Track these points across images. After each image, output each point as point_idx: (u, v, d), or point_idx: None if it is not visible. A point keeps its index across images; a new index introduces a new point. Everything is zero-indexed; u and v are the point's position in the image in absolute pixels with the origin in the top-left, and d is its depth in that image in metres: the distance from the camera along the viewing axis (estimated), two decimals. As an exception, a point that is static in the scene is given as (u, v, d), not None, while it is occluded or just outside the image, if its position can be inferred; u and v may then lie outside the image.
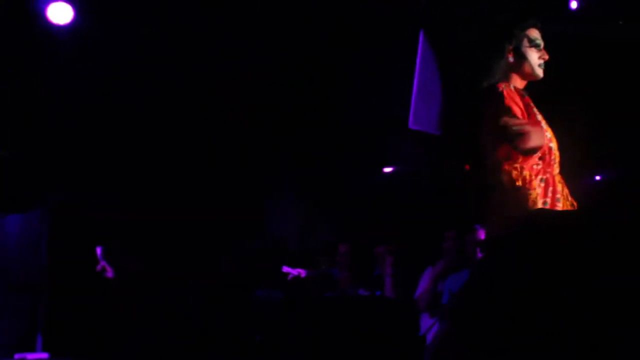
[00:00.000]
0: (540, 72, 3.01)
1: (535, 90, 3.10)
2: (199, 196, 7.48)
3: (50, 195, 7.27)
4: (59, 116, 6.21)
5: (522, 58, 2.99)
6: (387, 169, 8.14)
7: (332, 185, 7.95)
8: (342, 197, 8.21)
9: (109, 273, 6.92)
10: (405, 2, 4.70)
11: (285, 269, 6.51)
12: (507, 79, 2.98)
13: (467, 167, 3.00)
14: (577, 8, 4.59)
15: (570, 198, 2.90)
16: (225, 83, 6.19)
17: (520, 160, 2.73)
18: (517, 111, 2.81)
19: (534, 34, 3.02)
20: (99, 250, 6.98)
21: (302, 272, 6.53)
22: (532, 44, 2.99)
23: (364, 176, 8.04)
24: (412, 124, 4.25)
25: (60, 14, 5.04)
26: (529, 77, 3.03)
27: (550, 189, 2.83)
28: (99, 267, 6.94)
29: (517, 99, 2.88)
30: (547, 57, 3.01)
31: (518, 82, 3.02)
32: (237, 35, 5.65)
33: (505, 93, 2.84)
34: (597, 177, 8.15)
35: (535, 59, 2.99)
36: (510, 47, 2.99)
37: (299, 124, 6.97)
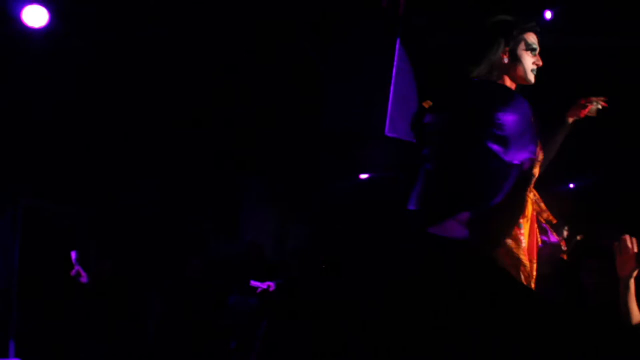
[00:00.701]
0: (532, 78, 2.98)
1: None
2: (174, 202, 7.45)
3: (22, 198, 7.19)
4: (33, 119, 6.16)
5: (516, 60, 2.95)
6: (364, 176, 8.16)
7: (308, 192, 7.95)
8: (318, 205, 8.23)
9: (84, 278, 6.85)
10: (382, 10, 4.73)
11: (254, 283, 6.49)
12: (499, 79, 2.93)
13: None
14: (551, 19, 4.64)
15: (543, 213, 2.91)
16: (201, 89, 6.18)
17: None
18: None
19: (532, 38, 2.99)
20: (73, 254, 6.90)
21: (272, 285, 6.51)
22: (529, 47, 2.96)
23: (341, 183, 8.06)
24: (388, 132, 4.27)
25: (35, 17, 5.01)
26: (521, 80, 2.99)
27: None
28: (73, 272, 6.86)
29: None
30: (540, 63, 2.98)
31: (509, 85, 2.97)
32: (215, 41, 5.64)
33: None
34: (571, 185, 8.26)
35: (530, 63, 2.96)
36: (507, 48, 2.94)
37: (276, 130, 6.98)
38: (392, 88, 4.29)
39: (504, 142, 1.29)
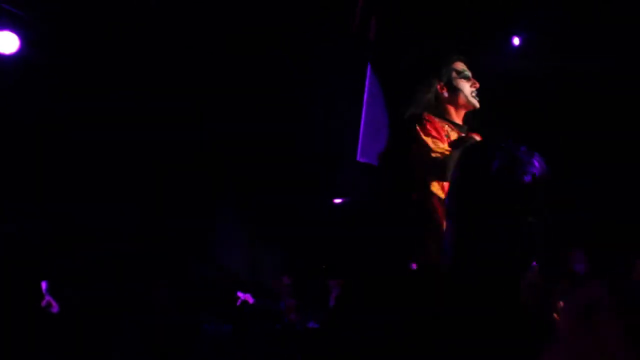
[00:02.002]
0: (475, 101, 3.09)
1: (479, 127, 3.15)
2: (146, 227, 7.39)
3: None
4: (4, 145, 6.10)
5: (455, 90, 3.07)
6: (337, 200, 8.18)
7: (281, 216, 7.94)
8: (292, 229, 8.21)
9: (54, 308, 6.73)
10: (353, 36, 4.78)
11: (240, 294, 6.47)
12: (445, 112, 3.06)
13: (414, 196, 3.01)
14: (519, 45, 4.72)
15: None
16: (174, 112, 6.17)
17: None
18: (440, 140, 2.87)
19: (460, 66, 3.12)
20: (44, 285, 6.78)
21: (249, 298, 6.49)
22: (461, 75, 3.09)
23: (314, 207, 8.06)
24: (359, 157, 4.29)
25: (6, 44, 4.99)
26: (466, 107, 3.10)
27: None
28: (44, 303, 6.74)
29: (439, 127, 2.93)
30: (477, 85, 3.09)
31: (454, 116, 3.09)
32: (190, 66, 5.65)
33: (427, 124, 2.91)
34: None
35: (468, 88, 3.07)
36: (442, 83, 3.07)
37: (248, 154, 6.98)
38: (363, 113, 4.32)
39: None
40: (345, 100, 5.12)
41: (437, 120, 3.00)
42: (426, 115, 2.97)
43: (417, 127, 2.91)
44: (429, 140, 2.85)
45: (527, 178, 1.38)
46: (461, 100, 3.07)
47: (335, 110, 5.61)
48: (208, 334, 6.46)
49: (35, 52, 5.08)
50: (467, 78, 3.09)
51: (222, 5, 4.93)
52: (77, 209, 6.98)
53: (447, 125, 3.02)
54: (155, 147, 6.61)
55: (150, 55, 5.32)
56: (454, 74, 3.08)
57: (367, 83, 4.41)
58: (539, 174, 1.40)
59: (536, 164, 1.42)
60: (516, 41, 4.68)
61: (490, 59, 4.73)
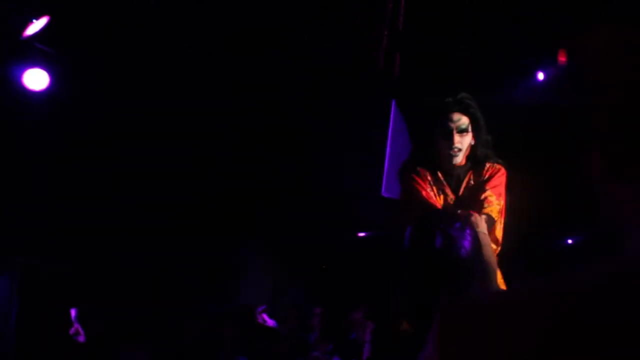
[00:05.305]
0: (454, 160, 2.79)
1: (506, 157, 3.08)
2: (169, 261, 7.42)
3: (18, 258, 7.15)
4: (31, 179, 6.18)
5: (433, 150, 2.82)
6: (361, 234, 8.17)
7: (306, 249, 7.92)
8: (316, 262, 8.21)
9: (81, 337, 6.74)
10: (379, 74, 4.79)
11: (264, 316, 6.47)
12: (434, 161, 2.85)
13: None
14: (544, 79, 4.70)
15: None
16: (198, 149, 6.21)
17: None
18: (422, 193, 2.76)
19: (449, 120, 2.77)
20: (73, 312, 6.79)
21: (267, 319, 6.51)
22: (443, 134, 2.77)
23: (339, 240, 8.04)
24: (384, 192, 4.30)
25: (36, 81, 5.08)
26: (447, 162, 2.83)
27: None
28: (72, 330, 6.75)
29: (426, 181, 2.79)
30: (455, 143, 2.76)
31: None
32: (212, 102, 5.69)
33: (414, 175, 2.78)
34: (570, 241, 8.28)
35: (445, 150, 2.78)
36: (429, 135, 2.82)
37: (274, 189, 7.00)
38: (388, 149, 4.33)
39: None
40: (369, 136, 5.11)
41: (428, 172, 2.83)
42: (418, 169, 2.82)
43: (415, 177, 2.78)
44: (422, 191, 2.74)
45: (462, 251, 1.72)
46: (441, 159, 2.82)
47: (358, 145, 5.62)
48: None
49: (63, 87, 5.16)
50: (447, 137, 2.75)
51: (222, 5, 4.87)
52: (101, 239, 7.05)
53: (429, 175, 2.83)
54: (180, 188, 6.65)
55: (173, 94, 5.36)
56: (440, 129, 2.76)
57: (391, 119, 4.43)
58: (470, 244, 1.74)
59: (468, 236, 1.75)
60: (541, 76, 4.67)
61: (515, 94, 4.73)
